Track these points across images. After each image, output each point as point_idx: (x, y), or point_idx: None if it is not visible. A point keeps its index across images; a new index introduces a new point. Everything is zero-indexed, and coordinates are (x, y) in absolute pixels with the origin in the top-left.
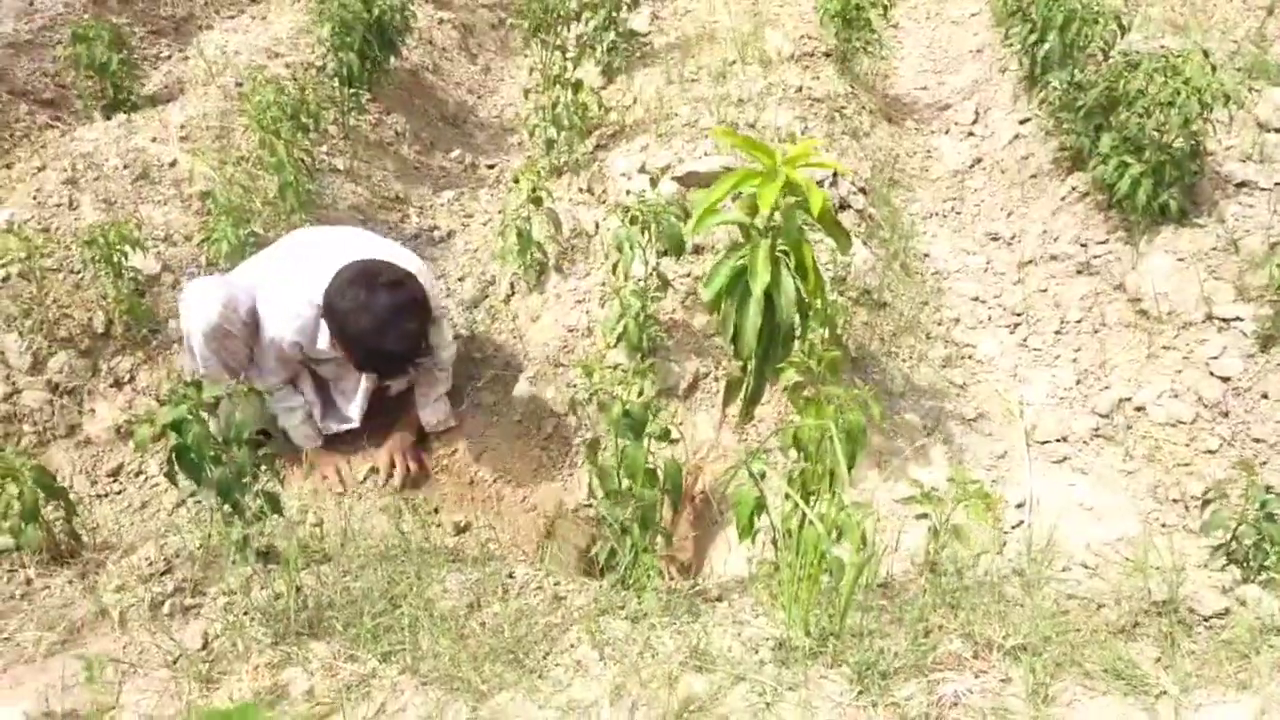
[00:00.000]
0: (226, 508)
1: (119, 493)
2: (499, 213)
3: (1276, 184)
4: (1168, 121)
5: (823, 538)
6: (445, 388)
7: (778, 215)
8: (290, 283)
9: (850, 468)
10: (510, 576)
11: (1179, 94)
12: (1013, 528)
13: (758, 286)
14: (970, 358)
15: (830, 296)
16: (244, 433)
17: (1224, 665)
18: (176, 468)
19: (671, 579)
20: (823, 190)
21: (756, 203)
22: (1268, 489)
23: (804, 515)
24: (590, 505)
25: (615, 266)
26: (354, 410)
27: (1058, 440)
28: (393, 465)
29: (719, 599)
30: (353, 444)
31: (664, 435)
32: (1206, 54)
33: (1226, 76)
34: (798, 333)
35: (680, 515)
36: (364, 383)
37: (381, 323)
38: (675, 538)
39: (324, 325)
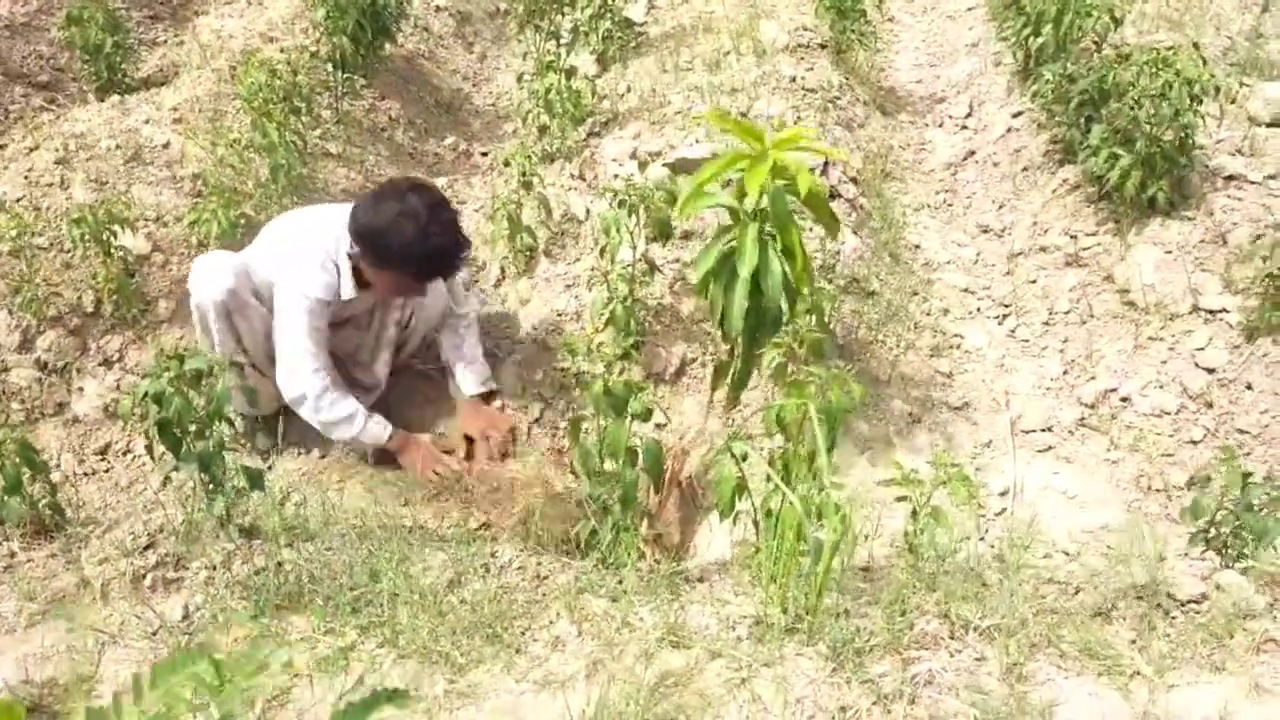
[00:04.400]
0: (208, 483)
1: (106, 471)
2: (491, 198)
3: (1266, 178)
4: (1158, 114)
5: (801, 518)
6: (475, 340)
7: (765, 198)
8: (303, 248)
9: (829, 448)
10: (493, 555)
11: (1169, 86)
12: (996, 515)
13: (745, 269)
14: (958, 347)
15: (819, 284)
16: (225, 405)
17: (1199, 648)
18: (157, 441)
19: (657, 561)
20: (812, 174)
21: (744, 186)
22: (1247, 476)
23: (784, 496)
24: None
25: (603, 250)
26: (380, 369)
27: (1043, 430)
28: (470, 442)
29: (700, 579)
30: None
31: (645, 414)
32: (1198, 47)
33: (1218, 70)
34: (785, 317)
35: (666, 498)
36: (386, 336)
37: (424, 221)
38: (661, 521)
39: (346, 273)
